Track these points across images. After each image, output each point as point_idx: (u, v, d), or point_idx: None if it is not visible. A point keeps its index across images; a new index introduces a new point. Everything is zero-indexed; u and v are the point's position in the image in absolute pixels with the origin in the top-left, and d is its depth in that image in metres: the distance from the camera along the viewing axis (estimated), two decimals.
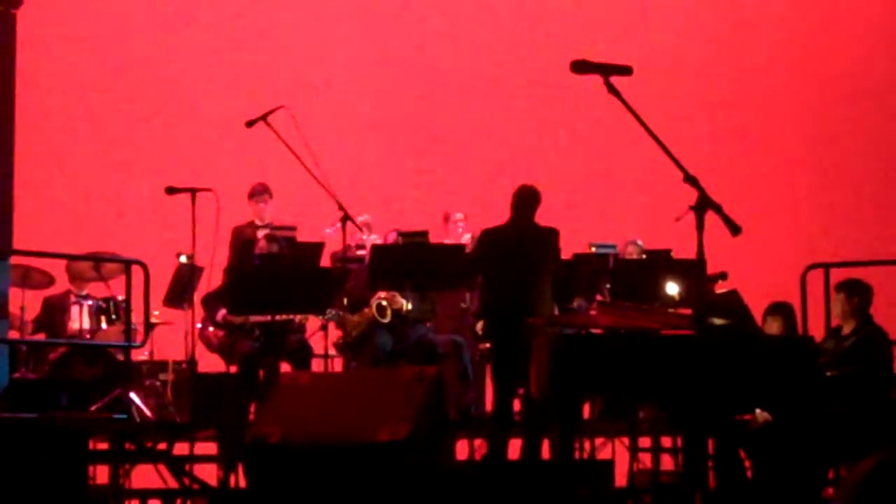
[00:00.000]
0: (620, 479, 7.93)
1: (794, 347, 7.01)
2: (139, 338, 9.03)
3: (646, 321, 6.92)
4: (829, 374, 7.32)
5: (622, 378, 6.52)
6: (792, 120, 13.45)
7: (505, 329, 7.93)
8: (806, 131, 13.42)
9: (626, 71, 5.15)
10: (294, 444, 6.22)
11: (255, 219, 9.57)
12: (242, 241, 9.30)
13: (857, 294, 7.72)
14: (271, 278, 8.72)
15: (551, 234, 8.21)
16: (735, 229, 5.04)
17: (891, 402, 7.45)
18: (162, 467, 8.38)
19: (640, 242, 10.00)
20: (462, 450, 9.29)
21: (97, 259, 9.50)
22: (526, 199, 8.15)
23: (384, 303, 9.25)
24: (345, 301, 9.26)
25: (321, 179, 8.16)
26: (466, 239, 9.74)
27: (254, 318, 8.94)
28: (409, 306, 9.26)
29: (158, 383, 9.63)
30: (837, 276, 8.31)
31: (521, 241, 8.10)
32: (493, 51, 13.26)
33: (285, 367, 8.99)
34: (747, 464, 7.58)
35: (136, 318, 8.86)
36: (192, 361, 8.95)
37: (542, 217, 8.24)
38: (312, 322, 9.33)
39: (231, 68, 12.69)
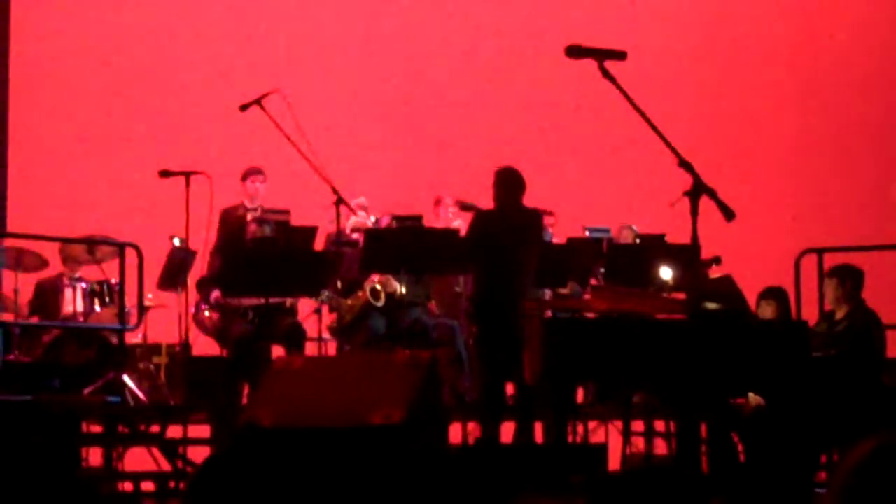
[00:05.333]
0: (614, 463, 7.94)
1: (787, 332, 7.04)
2: (133, 321, 9.03)
3: (640, 306, 6.94)
4: (818, 355, 7.32)
5: (616, 362, 6.54)
6: (787, 105, 13.44)
7: (496, 313, 7.92)
8: (801, 117, 13.42)
9: (620, 56, 5.14)
10: (287, 428, 6.22)
11: (245, 200, 9.44)
12: (231, 223, 9.25)
13: (849, 279, 7.73)
14: (266, 261, 8.70)
15: (538, 217, 8.20)
16: (729, 214, 5.04)
17: (883, 386, 7.46)
18: (155, 450, 8.39)
19: (634, 227, 9.99)
20: (455, 434, 9.30)
21: (91, 242, 9.49)
22: (513, 182, 8.09)
23: (378, 286, 9.24)
24: (339, 285, 9.24)
25: (315, 163, 8.14)
26: (457, 224, 9.71)
27: (248, 301, 8.93)
28: (404, 290, 9.25)
29: (152, 366, 9.63)
30: (831, 261, 8.32)
31: (512, 225, 8.06)
32: (487, 34, 13.24)
33: (279, 351, 8.98)
34: (740, 448, 7.60)
35: (130, 301, 8.87)
36: (185, 344, 8.95)
37: (538, 201, 8.24)
38: (306, 305, 9.31)
39: (225, 51, 12.66)
